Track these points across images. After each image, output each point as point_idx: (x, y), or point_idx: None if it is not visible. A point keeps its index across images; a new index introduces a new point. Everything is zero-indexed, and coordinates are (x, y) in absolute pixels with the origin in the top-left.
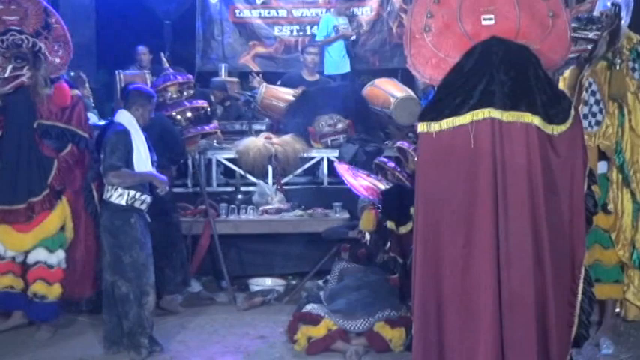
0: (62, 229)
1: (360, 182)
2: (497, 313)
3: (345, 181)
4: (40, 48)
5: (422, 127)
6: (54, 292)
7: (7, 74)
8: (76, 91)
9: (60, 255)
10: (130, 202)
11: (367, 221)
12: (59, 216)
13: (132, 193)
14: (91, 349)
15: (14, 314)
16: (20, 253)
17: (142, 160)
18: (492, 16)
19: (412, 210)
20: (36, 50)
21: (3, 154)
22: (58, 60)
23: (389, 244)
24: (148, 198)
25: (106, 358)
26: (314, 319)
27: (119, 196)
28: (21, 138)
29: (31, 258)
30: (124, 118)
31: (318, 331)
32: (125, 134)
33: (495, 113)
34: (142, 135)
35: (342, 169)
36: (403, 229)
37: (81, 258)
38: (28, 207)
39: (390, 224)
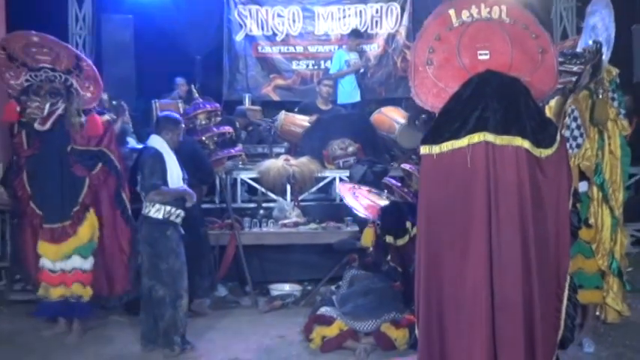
0: (91, 238)
1: (361, 201)
2: (491, 316)
3: (346, 202)
4: (71, 83)
5: (424, 149)
6: (88, 292)
7: (45, 113)
8: (106, 117)
9: (91, 261)
10: (166, 216)
11: (367, 238)
12: (89, 227)
13: (167, 208)
14: (129, 347)
15: (59, 321)
16: (60, 262)
17: (174, 178)
18: (487, 51)
19: (408, 224)
20: (68, 85)
21: (41, 178)
22: (89, 95)
23: (389, 255)
24: (182, 212)
25: (142, 355)
26: (327, 321)
27: (156, 211)
28: (57, 161)
29: (68, 264)
30: (156, 142)
31: (331, 331)
32: (159, 156)
33: (489, 137)
34: (173, 156)
35: (344, 190)
36: (400, 242)
37: (109, 261)
38: (72, 222)
39: (388, 238)
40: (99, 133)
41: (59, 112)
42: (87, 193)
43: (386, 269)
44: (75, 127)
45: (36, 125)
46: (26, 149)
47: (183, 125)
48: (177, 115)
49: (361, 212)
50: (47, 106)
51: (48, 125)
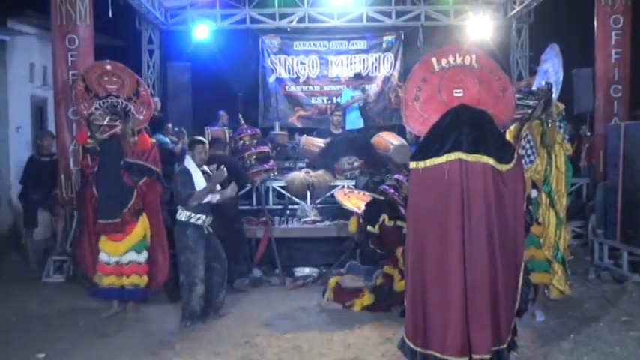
0: (144, 236)
1: (351, 201)
2: (464, 293)
3: (340, 203)
4: (130, 109)
5: (412, 164)
6: (144, 280)
7: (105, 122)
8: (153, 140)
9: (145, 255)
10: (186, 219)
11: (352, 225)
12: (142, 227)
13: (188, 213)
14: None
15: (114, 303)
16: (118, 257)
17: (201, 186)
18: (461, 89)
19: (383, 216)
20: (127, 110)
21: (100, 184)
22: (142, 117)
23: (370, 240)
24: (202, 217)
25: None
26: (358, 293)
27: (180, 215)
28: (113, 172)
29: (126, 258)
30: (187, 160)
31: (366, 300)
32: (186, 171)
33: (463, 156)
34: (198, 170)
35: (340, 195)
36: (373, 229)
37: (153, 256)
38: (122, 221)
39: (369, 228)
40: (147, 147)
41: (117, 130)
42: (136, 200)
43: (368, 251)
44: (129, 143)
45: (97, 135)
46: (90, 166)
47: (207, 147)
48: (201, 138)
49: (350, 208)
50: (107, 118)
51: (106, 135)
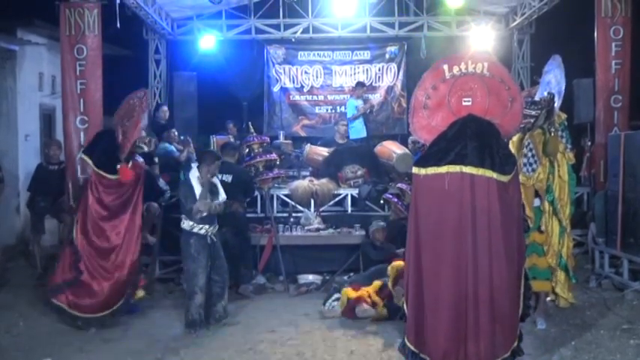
0: None
1: None
2: (454, 303)
3: None
4: None
5: (415, 170)
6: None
7: None
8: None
9: None
10: (190, 229)
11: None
12: None
13: (191, 223)
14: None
15: None
16: None
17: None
18: (470, 98)
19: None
20: None
21: None
22: None
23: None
24: (205, 227)
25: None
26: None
27: (184, 224)
28: None
29: None
30: (191, 171)
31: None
32: (187, 184)
33: (466, 169)
34: (199, 183)
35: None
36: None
37: None
38: None
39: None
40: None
41: None
42: None
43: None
44: None
45: None
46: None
47: (219, 162)
48: (216, 152)
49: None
50: None
51: None
